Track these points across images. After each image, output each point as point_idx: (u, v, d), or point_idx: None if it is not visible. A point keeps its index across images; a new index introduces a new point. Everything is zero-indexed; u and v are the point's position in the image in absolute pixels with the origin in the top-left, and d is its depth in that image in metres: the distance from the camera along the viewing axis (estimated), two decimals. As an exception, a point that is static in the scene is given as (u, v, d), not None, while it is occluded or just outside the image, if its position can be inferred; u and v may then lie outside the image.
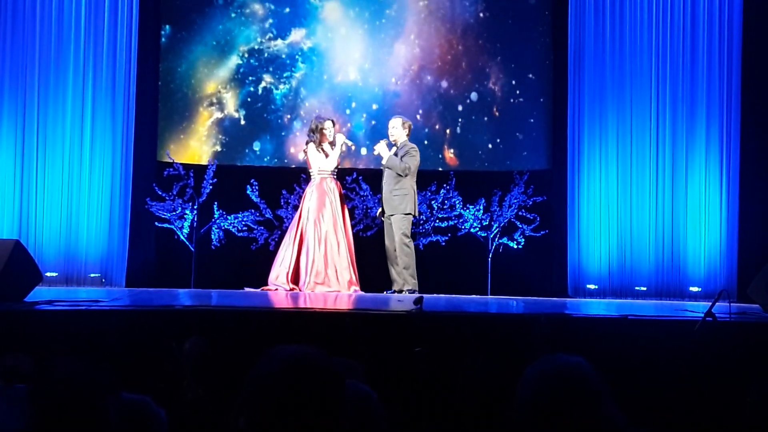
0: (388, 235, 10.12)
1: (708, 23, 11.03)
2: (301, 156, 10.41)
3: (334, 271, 9.84)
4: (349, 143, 10.23)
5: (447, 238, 11.52)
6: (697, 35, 11.08)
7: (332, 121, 10.30)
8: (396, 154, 10.08)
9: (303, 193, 10.29)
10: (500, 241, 11.48)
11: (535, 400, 2.51)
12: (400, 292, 9.81)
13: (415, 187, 10.12)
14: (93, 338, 5.62)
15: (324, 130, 10.08)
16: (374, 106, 11.75)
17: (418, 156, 10.14)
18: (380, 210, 10.19)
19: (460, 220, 11.52)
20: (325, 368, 2.25)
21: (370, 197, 11.35)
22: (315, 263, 9.80)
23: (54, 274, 10.56)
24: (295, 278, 9.87)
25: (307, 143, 10.15)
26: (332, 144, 10.14)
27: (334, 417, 2.20)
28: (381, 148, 10.11)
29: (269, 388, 2.20)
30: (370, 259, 10.26)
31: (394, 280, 9.99)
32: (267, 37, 11.77)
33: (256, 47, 11.77)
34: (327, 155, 10.08)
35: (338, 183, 10.24)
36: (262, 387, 2.22)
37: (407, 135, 10.21)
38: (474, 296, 10.48)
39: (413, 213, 10.06)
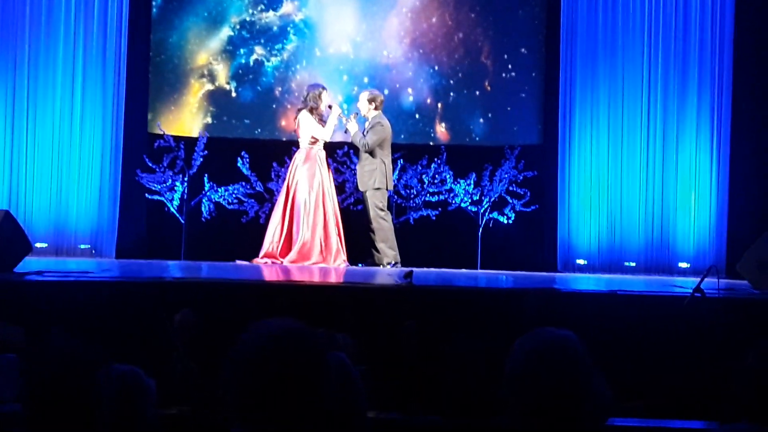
0: (366, 210, 10.17)
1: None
2: (293, 123, 10.33)
3: (321, 241, 9.83)
4: (345, 118, 10.18)
5: (437, 212, 11.53)
6: (690, 7, 11.07)
7: (326, 91, 10.25)
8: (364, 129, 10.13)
9: (291, 161, 10.23)
10: (491, 215, 11.49)
11: (524, 373, 2.52)
12: (380, 264, 9.86)
13: (386, 161, 10.13)
14: (83, 309, 5.62)
15: (320, 99, 10.04)
16: (366, 79, 11.71)
17: (384, 130, 10.12)
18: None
19: (451, 195, 11.52)
20: (305, 341, 2.26)
21: (360, 171, 11.35)
22: (301, 235, 9.79)
23: (44, 245, 10.54)
24: (286, 250, 9.86)
25: (300, 110, 10.10)
26: (322, 115, 10.09)
27: (314, 389, 2.21)
28: (351, 124, 10.14)
29: (250, 361, 2.22)
30: (358, 232, 10.26)
31: (375, 253, 10.03)
32: (258, 8, 11.71)
33: (248, 19, 11.71)
34: (323, 124, 10.04)
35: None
36: (243, 361, 2.23)
37: (375, 108, 10.20)
38: (464, 270, 10.51)
39: (384, 187, 10.07)
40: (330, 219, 9.93)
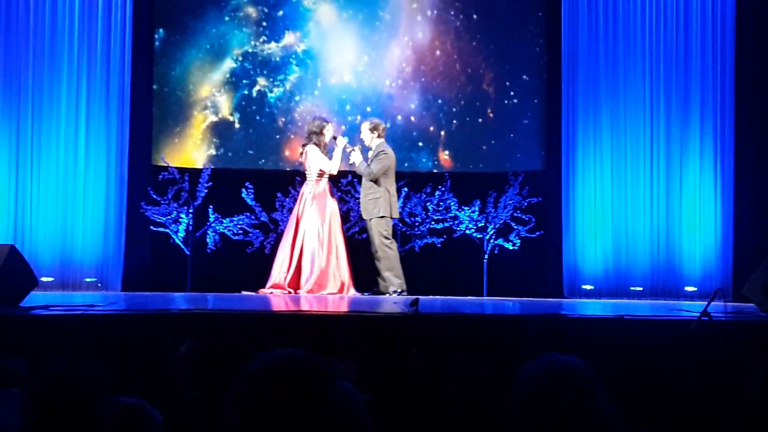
0: (371, 238, 10.18)
1: (701, 22, 11.05)
2: (300, 157, 10.38)
3: (334, 273, 9.91)
4: (350, 148, 10.22)
5: (442, 239, 11.53)
6: (691, 34, 11.10)
7: (331, 124, 10.34)
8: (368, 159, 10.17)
9: (299, 194, 10.28)
10: (496, 242, 11.48)
11: (531, 399, 2.51)
12: (386, 293, 9.86)
13: (391, 189, 10.16)
14: (89, 342, 5.62)
15: (324, 132, 10.13)
16: (368, 108, 11.74)
17: (388, 159, 10.16)
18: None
19: (456, 222, 11.52)
20: (311, 370, 2.26)
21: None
22: (317, 265, 9.84)
23: (50, 279, 10.53)
24: (295, 281, 9.89)
25: (305, 144, 10.17)
26: (326, 147, 10.18)
27: (319, 418, 2.20)
28: (355, 155, 10.17)
29: (255, 391, 2.21)
30: (364, 261, 10.26)
31: (380, 281, 10.03)
32: (261, 40, 11.77)
33: (250, 50, 11.77)
34: (329, 157, 10.12)
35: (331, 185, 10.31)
36: (248, 390, 2.23)
37: (378, 136, 10.23)
38: (470, 297, 10.49)
39: (388, 215, 10.09)
40: (341, 249, 9.99)
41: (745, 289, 7.96)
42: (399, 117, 11.79)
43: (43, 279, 10.09)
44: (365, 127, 10.34)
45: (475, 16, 11.92)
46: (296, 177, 11.00)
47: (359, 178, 10.43)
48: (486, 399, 5.09)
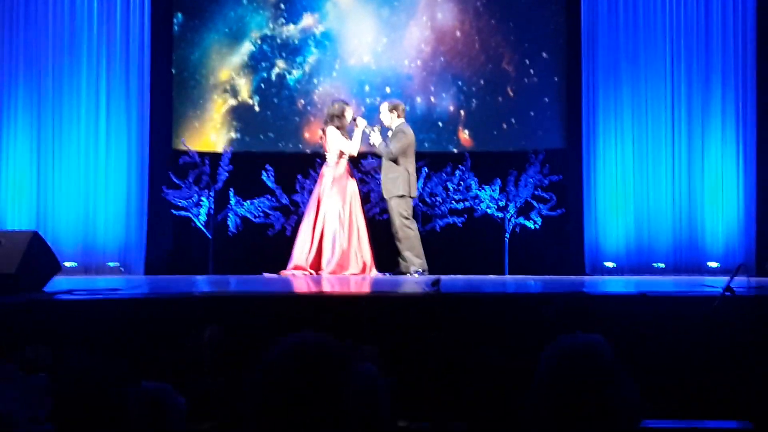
0: (391, 219, 10.18)
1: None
2: (319, 139, 10.39)
3: (355, 254, 9.94)
4: (369, 129, 10.21)
5: (463, 219, 11.52)
6: (712, 8, 11.03)
7: (349, 105, 10.35)
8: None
9: (319, 176, 10.29)
10: (517, 221, 11.47)
11: (552, 380, 2.51)
12: (406, 273, 9.87)
13: (410, 168, 10.14)
14: (113, 327, 5.65)
15: (345, 113, 10.14)
16: (388, 89, 11.72)
17: (408, 138, 10.14)
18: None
19: (476, 201, 11.50)
20: (331, 354, 2.26)
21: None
22: (339, 246, 9.87)
23: (73, 264, 10.61)
24: (316, 262, 9.92)
25: (326, 126, 10.18)
26: (346, 129, 10.19)
27: (340, 402, 2.21)
28: (374, 136, 10.16)
29: (275, 375, 2.22)
30: (385, 241, 10.27)
31: (401, 261, 10.04)
32: (279, 22, 11.76)
33: (269, 33, 11.76)
34: (349, 139, 10.13)
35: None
36: (268, 375, 2.23)
37: (398, 116, 10.22)
38: (491, 276, 10.49)
39: (408, 194, 10.08)
40: (362, 230, 10.01)
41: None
42: (418, 98, 11.76)
43: (66, 264, 10.16)
44: (384, 107, 10.33)
45: (493, -6, 11.86)
46: (316, 159, 11.01)
47: (380, 159, 10.42)
48: (509, 379, 5.09)
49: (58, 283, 7.20)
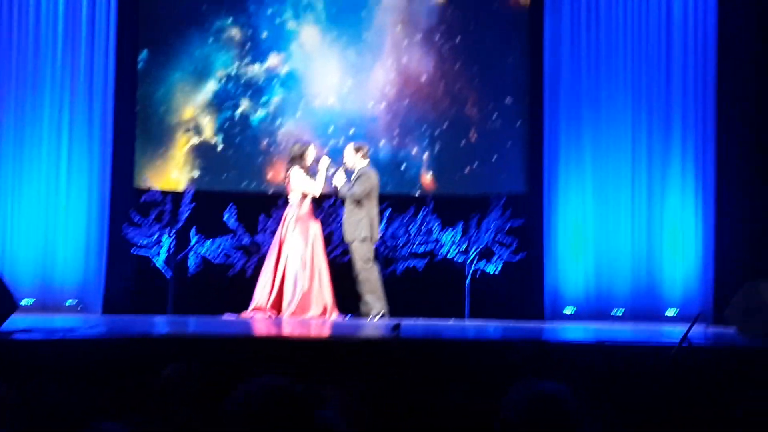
0: (353, 261, 10.19)
1: (683, 46, 11.17)
2: (283, 179, 10.40)
3: (316, 296, 9.92)
4: (333, 169, 10.24)
5: (425, 262, 11.52)
6: (672, 57, 11.20)
7: (312, 146, 10.39)
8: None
9: (283, 217, 10.28)
10: (478, 265, 11.49)
11: (515, 427, 2.52)
12: (367, 316, 9.87)
13: (373, 211, 10.19)
14: (70, 367, 5.59)
15: (306, 155, 10.17)
16: (352, 131, 11.74)
17: (371, 180, 10.19)
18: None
19: (438, 245, 11.53)
20: (293, 400, 2.26)
21: (348, 222, 11.36)
22: (300, 287, 9.85)
23: (30, 302, 10.48)
24: (277, 304, 9.88)
25: (290, 167, 10.18)
26: (310, 170, 10.21)
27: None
28: (337, 178, 10.19)
29: (238, 422, 2.21)
30: (346, 283, 10.26)
31: (362, 304, 10.04)
32: (244, 62, 11.78)
33: (234, 72, 11.77)
34: (313, 180, 10.14)
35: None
36: (231, 421, 2.23)
37: (363, 158, 10.27)
38: (452, 321, 10.49)
39: (370, 237, 10.10)
40: (324, 271, 10.00)
41: (726, 313, 8.00)
42: (382, 140, 11.80)
43: (24, 301, 10.04)
44: (349, 149, 10.37)
45: (458, 39, 11.96)
46: (279, 199, 10.99)
47: (342, 200, 10.44)
48: (469, 424, 5.08)
49: (15, 321, 7.12)
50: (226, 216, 11.27)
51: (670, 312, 10.88)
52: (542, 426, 2.48)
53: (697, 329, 6.25)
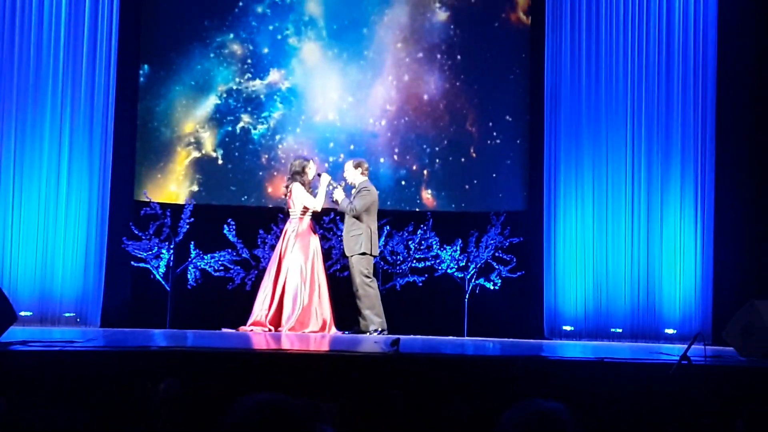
0: (352, 276, 10.18)
1: (683, 65, 11.15)
2: (284, 195, 10.40)
3: (316, 311, 9.90)
4: (333, 185, 10.25)
5: (424, 278, 11.53)
6: (672, 77, 11.19)
7: (313, 161, 10.40)
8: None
9: (283, 232, 10.28)
10: (477, 281, 11.50)
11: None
12: (366, 331, 9.86)
13: (372, 227, 10.19)
14: (68, 380, 5.58)
15: (307, 170, 10.18)
16: (352, 147, 11.78)
17: (370, 196, 10.20)
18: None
19: (437, 261, 11.54)
20: (291, 415, 2.26)
21: (347, 238, 11.37)
22: (300, 302, 9.83)
23: (29, 313, 10.45)
24: (276, 318, 9.87)
25: (290, 182, 10.19)
26: (310, 185, 10.21)
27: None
28: (338, 192, 10.20)
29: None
30: (345, 299, 10.26)
31: (361, 320, 10.03)
32: (245, 77, 11.81)
33: (235, 87, 11.81)
34: (313, 195, 10.15)
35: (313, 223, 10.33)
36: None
37: (363, 174, 10.29)
38: (450, 337, 10.48)
39: (369, 252, 10.11)
40: (323, 287, 10.00)
41: (725, 333, 7.99)
42: (382, 157, 11.82)
43: (23, 313, 10.02)
44: (349, 165, 10.39)
45: (459, 57, 12.01)
46: (279, 214, 11.01)
47: (342, 215, 10.45)
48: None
49: (14, 333, 7.11)
50: (225, 230, 11.27)
51: (669, 331, 10.85)
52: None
53: (696, 348, 6.24)
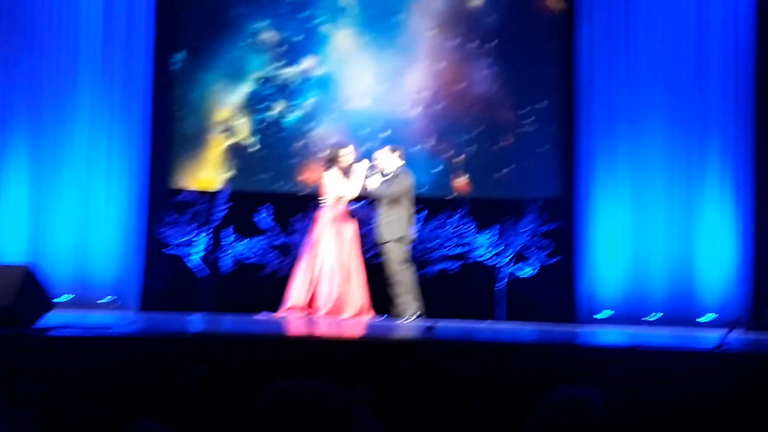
0: (387, 262, 10.17)
1: (722, 49, 11.05)
2: (317, 180, 10.41)
3: (352, 296, 9.92)
4: (369, 172, 10.23)
5: (459, 264, 11.50)
6: (710, 59, 11.09)
7: (348, 148, 10.38)
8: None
9: (319, 217, 10.29)
10: (513, 268, 11.46)
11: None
12: (402, 316, 9.86)
13: (410, 211, 10.19)
14: (104, 364, 5.62)
15: (341, 157, 10.17)
16: (387, 132, 11.73)
17: (407, 181, 10.22)
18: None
19: (472, 247, 11.50)
20: (327, 400, 2.25)
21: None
22: (335, 288, 9.86)
23: (68, 297, 10.55)
24: (312, 303, 9.91)
25: (327, 168, 10.21)
26: (346, 172, 10.21)
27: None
28: (374, 179, 10.18)
29: (269, 422, 2.20)
30: (381, 284, 10.26)
31: (397, 305, 10.02)
32: (279, 64, 11.81)
33: (269, 74, 11.81)
34: (350, 181, 10.14)
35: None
36: (262, 422, 2.21)
37: (399, 158, 10.27)
38: (486, 323, 10.46)
39: (406, 237, 10.10)
40: (359, 272, 10.00)
41: (764, 319, 7.92)
42: (417, 143, 11.78)
43: (62, 298, 10.10)
44: (385, 151, 10.37)
45: (494, 42, 11.93)
46: (313, 200, 11.00)
47: (377, 202, 10.44)
48: (501, 427, 5.06)
49: (52, 317, 7.17)
50: (261, 215, 11.31)
51: (707, 317, 10.76)
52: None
53: (734, 335, 6.19)
